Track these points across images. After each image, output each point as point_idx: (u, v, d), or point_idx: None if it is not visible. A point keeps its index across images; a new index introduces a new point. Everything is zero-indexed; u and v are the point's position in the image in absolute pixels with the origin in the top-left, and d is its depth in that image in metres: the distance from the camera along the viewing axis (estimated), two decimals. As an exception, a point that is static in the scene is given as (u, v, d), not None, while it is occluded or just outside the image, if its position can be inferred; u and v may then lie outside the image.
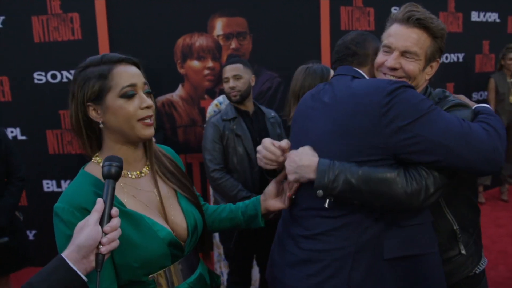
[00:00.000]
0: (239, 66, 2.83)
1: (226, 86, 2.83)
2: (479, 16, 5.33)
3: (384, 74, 1.60)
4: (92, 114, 1.29)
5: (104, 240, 1.06)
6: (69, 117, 1.31)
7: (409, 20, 1.56)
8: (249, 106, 2.90)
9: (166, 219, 1.38)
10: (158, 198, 1.39)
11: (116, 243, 1.09)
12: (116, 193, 1.27)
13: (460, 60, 5.28)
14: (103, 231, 1.07)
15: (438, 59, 1.65)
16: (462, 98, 1.65)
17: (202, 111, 4.08)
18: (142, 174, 1.40)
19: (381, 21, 1.74)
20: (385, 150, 1.40)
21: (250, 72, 2.87)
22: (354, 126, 1.42)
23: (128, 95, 1.27)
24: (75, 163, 3.93)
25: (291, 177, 1.53)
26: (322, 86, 1.65)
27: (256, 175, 2.79)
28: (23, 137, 4.00)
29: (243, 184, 2.75)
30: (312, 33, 4.18)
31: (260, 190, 2.58)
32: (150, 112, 1.31)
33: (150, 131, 1.32)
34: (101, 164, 1.30)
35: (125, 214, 1.27)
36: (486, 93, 5.45)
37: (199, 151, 3.66)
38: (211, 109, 3.38)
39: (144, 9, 3.88)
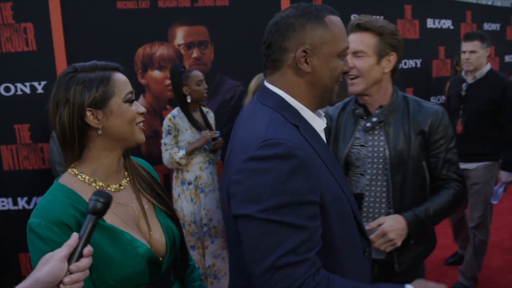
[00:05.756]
0: None
1: None
2: (434, 23, 5.50)
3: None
4: (91, 119, 1.24)
5: (67, 279, 0.96)
6: (57, 124, 1.24)
7: (352, 27, 1.82)
8: None
9: (145, 234, 1.33)
10: (137, 212, 1.34)
11: (79, 285, 0.99)
12: None
13: (418, 65, 5.43)
14: (68, 269, 0.98)
15: (393, 53, 1.81)
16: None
17: (165, 122, 3.99)
18: (121, 187, 1.34)
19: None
20: None
21: None
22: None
23: (130, 100, 1.30)
24: (32, 179, 3.76)
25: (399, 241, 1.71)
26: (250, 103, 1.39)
27: None
28: (-25, 154, 3.79)
29: None
30: (274, 41, 4.18)
31: None
32: (143, 118, 1.35)
33: (143, 136, 1.35)
34: (78, 176, 1.26)
35: (105, 229, 1.21)
36: (443, 97, 5.62)
37: (162, 163, 3.58)
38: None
39: (103, 18, 3.77)
